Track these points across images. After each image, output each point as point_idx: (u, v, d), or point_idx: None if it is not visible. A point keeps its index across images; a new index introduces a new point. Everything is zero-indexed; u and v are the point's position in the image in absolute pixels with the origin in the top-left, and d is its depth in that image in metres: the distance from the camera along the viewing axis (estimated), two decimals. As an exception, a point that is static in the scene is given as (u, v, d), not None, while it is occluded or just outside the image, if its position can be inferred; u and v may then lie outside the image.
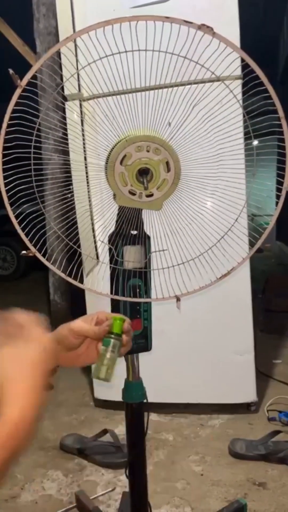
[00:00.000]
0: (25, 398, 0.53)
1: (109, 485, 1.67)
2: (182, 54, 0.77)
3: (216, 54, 0.77)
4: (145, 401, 1.04)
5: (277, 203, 0.93)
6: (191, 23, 0.72)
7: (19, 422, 0.52)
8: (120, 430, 1.97)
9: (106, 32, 0.77)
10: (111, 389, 1.98)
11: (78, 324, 0.75)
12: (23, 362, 0.57)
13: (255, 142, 0.92)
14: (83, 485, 1.68)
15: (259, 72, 0.74)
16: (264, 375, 2.44)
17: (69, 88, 1.20)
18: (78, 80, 1.05)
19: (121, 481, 1.67)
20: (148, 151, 0.81)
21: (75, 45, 0.90)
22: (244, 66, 0.80)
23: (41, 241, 0.95)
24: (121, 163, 0.82)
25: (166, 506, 1.54)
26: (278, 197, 0.92)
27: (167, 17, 0.72)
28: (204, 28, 0.70)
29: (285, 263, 6.11)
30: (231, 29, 1.66)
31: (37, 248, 0.92)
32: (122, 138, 0.82)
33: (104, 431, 1.90)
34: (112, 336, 0.70)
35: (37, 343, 0.59)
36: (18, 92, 0.70)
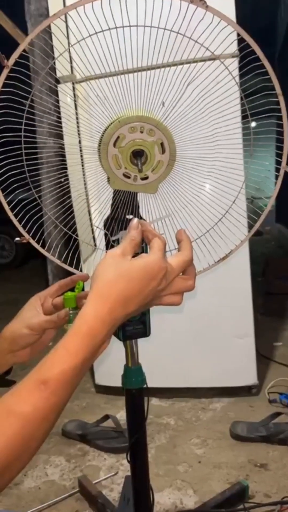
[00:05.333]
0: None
1: (112, 469, 1.68)
2: (174, 30, 0.74)
3: (209, 29, 0.74)
4: (144, 386, 1.04)
5: (276, 184, 0.91)
6: (183, -4, 0.69)
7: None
8: (122, 415, 1.98)
9: (97, 10, 0.74)
10: (112, 375, 1.98)
11: (35, 320, 0.76)
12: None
13: (253, 124, 0.90)
14: (86, 470, 1.69)
15: (254, 46, 0.71)
16: (264, 357, 2.44)
17: (61, 70, 1.17)
18: (71, 62, 1.02)
19: (123, 465, 1.68)
20: (141, 132, 0.79)
21: (66, 25, 0.87)
22: (241, 44, 0.77)
23: (40, 228, 0.94)
24: (114, 145, 0.80)
25: (169, 489, 1.55)
26: (277, 177, 0.90)
27: (158, -9, 0.69)
28: (197, 1, 0.68)
29: (285, 246, 6.09)
30: (226, 3, 1.62)
31: (33, 235, 0.90)
32: (114, 119, 0.79)
33: (106, 417, 1.91)
34: (71, 312, 0.72)
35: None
36: (5, 72, 0.68)
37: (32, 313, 0.77)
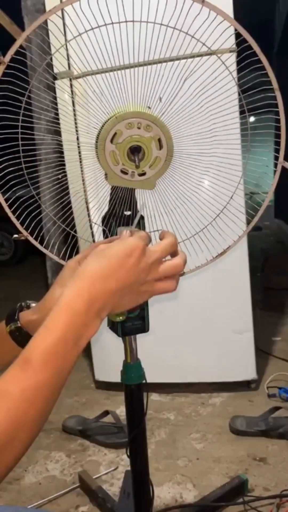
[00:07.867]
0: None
1: (112, 464, 1.69)
2: (171, 25, 0.74)
3: (206, 24, 0.74)
4: (144, 382, 1.04)
5: (273, 179, 0.91)
6: (179, -9, 0.69)
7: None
8: (122, 410, 1.98)
9: (93, 6, 0.74)
10: (111, 371, 1.99)
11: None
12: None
13: (252, 119, 0.90)
14: (86, 465, 1.70)
15: (251, 41, 0.71)
16: (264, 352, 2.45)
17: (58, 66, 1.17)
18: (68, 58, 1.02)
19: (124, 460, 1.69)
20: (139, 128, 0.79)
21: (63, 21, 0.87)
22: (238, 39, 0.77)
23: (38, 225, 0.94)
24: (111, 141, 0.80)
25: (168, 483, 1.56)
26: (275, 173, 0.90)
27: (154, -14, 0.69)
28: (193, -4, 0.67)
29: (284, 241, 6.10)
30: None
31: (32, 231, 0.90)
32: (111, 115, 0.79)
33: (106, 412, 1.92)
34: None
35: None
36: (1, 69, 0.68)
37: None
